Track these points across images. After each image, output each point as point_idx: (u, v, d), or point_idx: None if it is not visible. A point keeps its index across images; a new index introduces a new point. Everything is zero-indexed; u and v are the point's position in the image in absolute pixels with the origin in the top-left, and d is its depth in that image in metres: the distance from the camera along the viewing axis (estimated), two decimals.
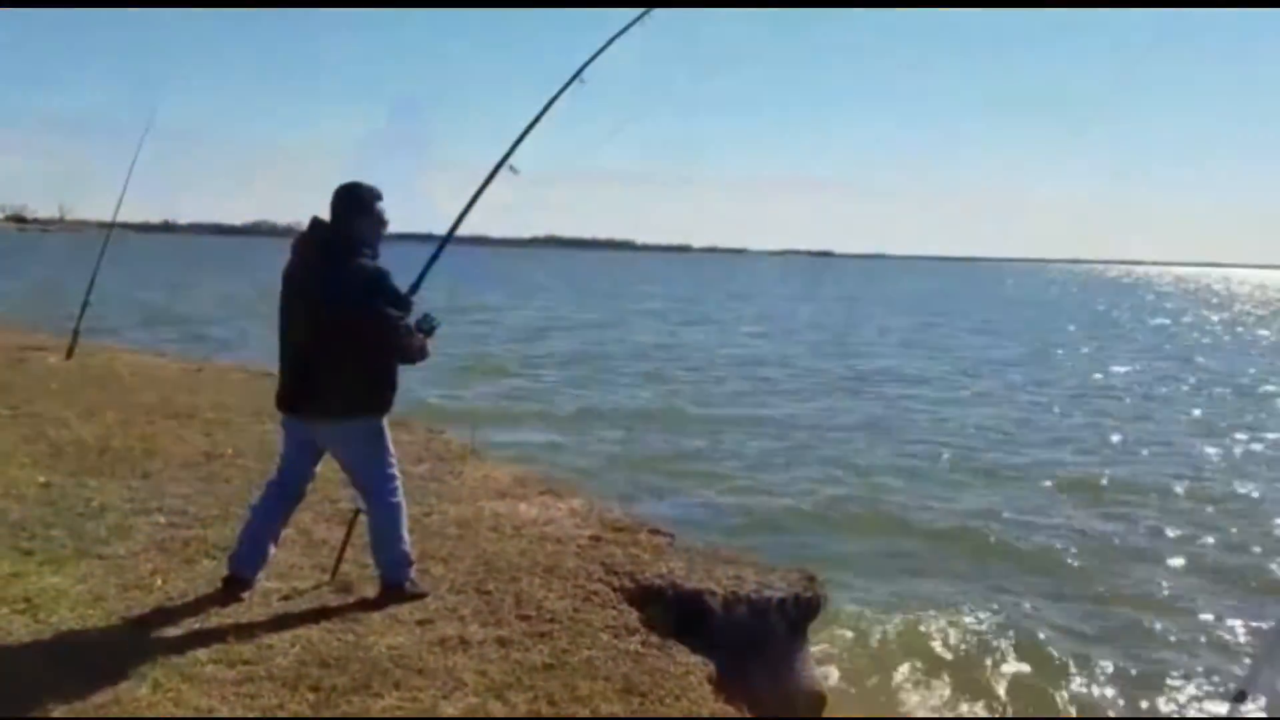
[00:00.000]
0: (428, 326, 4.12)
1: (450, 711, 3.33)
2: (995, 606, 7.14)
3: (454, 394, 13.43)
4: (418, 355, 4.07)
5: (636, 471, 10.01)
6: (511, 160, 4.57)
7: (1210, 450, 12.65)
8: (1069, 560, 8.23)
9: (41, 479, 5.81)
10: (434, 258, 4.36)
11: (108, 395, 8.95)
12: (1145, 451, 12.46)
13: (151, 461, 6.45)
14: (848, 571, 7.37)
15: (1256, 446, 13.06)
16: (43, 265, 46.79)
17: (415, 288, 4.15)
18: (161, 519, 5.19)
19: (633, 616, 4.34)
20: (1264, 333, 35.52)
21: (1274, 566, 8.27)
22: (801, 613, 4.83)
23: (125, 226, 12.80)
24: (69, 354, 11.10)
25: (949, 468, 11.13)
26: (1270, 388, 19.16)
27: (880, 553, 8.02)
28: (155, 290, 34.55)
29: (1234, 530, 9.15)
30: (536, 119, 4.58)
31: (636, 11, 4.70)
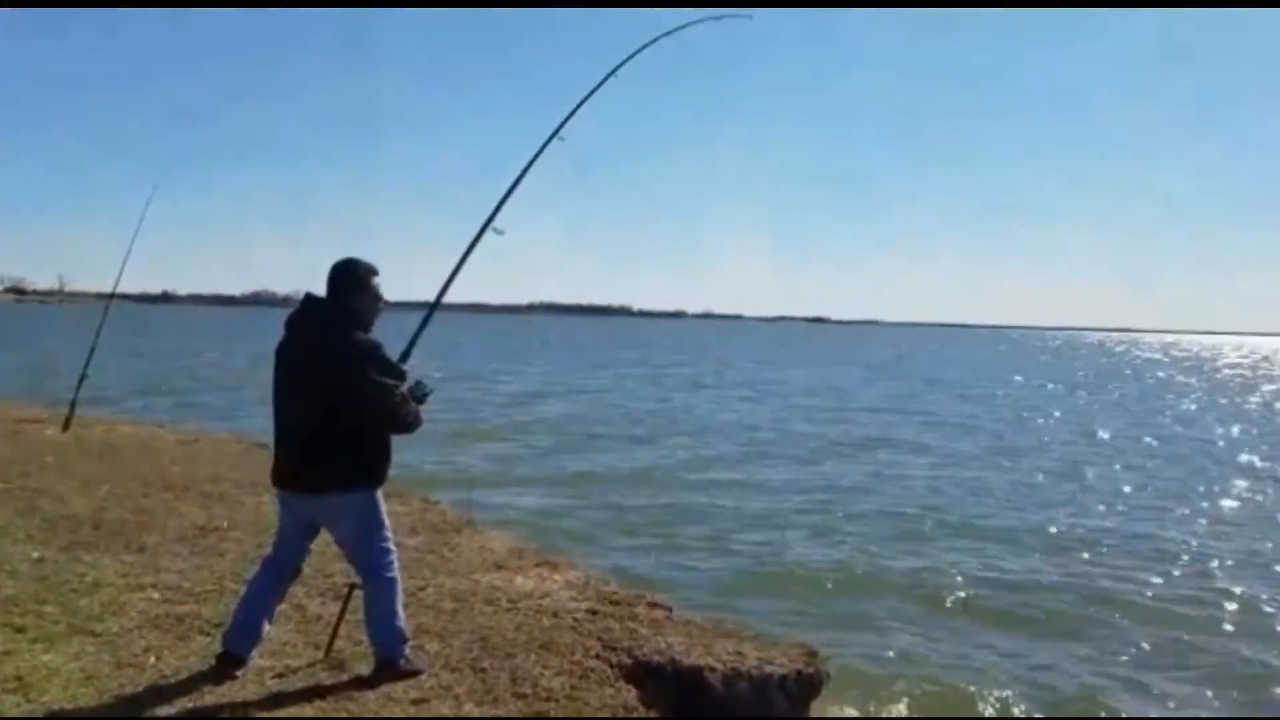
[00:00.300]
0: (420, 394, 4.15)
1: None
2: (1002, 669, 7.05)
3: (447, 460, 13.39)
4: (413, 423, 4.09)
5: (631, 536, 9.95)
6: (495, 222, 4.65)
7: (1196, 508, 12.62)
8: (1073, 620, 8.16)
9: (35, 554, 5.77)
10: (424, 324, 4.39)
11: (104, 468, 8.92)
12: (1123, 507, 12.43)
13: (147, 535, 6.41)
14: (852, 633, 7.29)
15: (1231, 504, 13.07)
16: (41, 337, 46.92)
17: (406, 355, 4.19)
18: (156, 594, 5.14)
19: (631, 695, 4.29)
20: (1254, 400, 35.60)
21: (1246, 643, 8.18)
22: (803, 689, 4.77)
23: (124, 297, 12.87)
24: (66, 426, 11.09)
25: (944, 529, 11.08)
26: (1245, 454, 19.17)
27: (881, 615, 7.94)
28: (153, 361, 34.59)
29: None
30: (518, 179, 4.66)
31: (606, 73, 4.86)
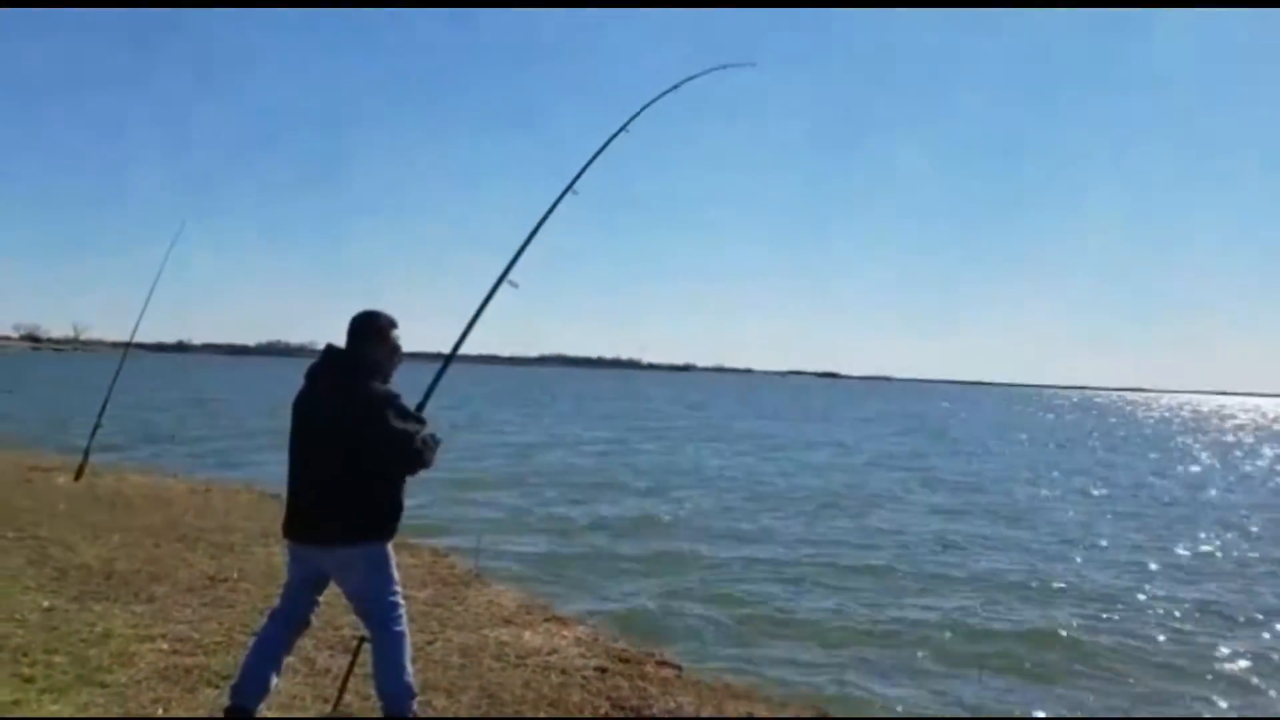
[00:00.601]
0: (433, 443, 4.18)
1: None
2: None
3: (456, 509, 13.38)
4: (430, 464, 4.11)
5: (637, 586, 9.91)
6: (511, 275, 4.71)
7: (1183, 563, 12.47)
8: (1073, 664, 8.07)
9: (45, 603, 5.79)
10: (439, 375, 4.42)
11: (115, 517, 8.96)
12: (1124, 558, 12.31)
13: (157, 585, 6.43)
14: (861, 685, 7.20)
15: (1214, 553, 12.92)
16: (56, 385, 47.25)
17: (422, 405, 4.22)
18: (165, 646, 5.14)
19: None
20: (1260, 462, 35.30)
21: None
22: None
23: (139, 346, 12.99)
24: (78, 475, 11.15)
25: (948, 581, 11.00)
26: (1238, 512, 18.99)
27: (889, 666, 7.86)
28: (167, 410, 34.74)
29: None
30: (533, 233, 4.72)
31: (618, 127, 4.95)
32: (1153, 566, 12.55)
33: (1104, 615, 9.74)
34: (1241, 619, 9.82)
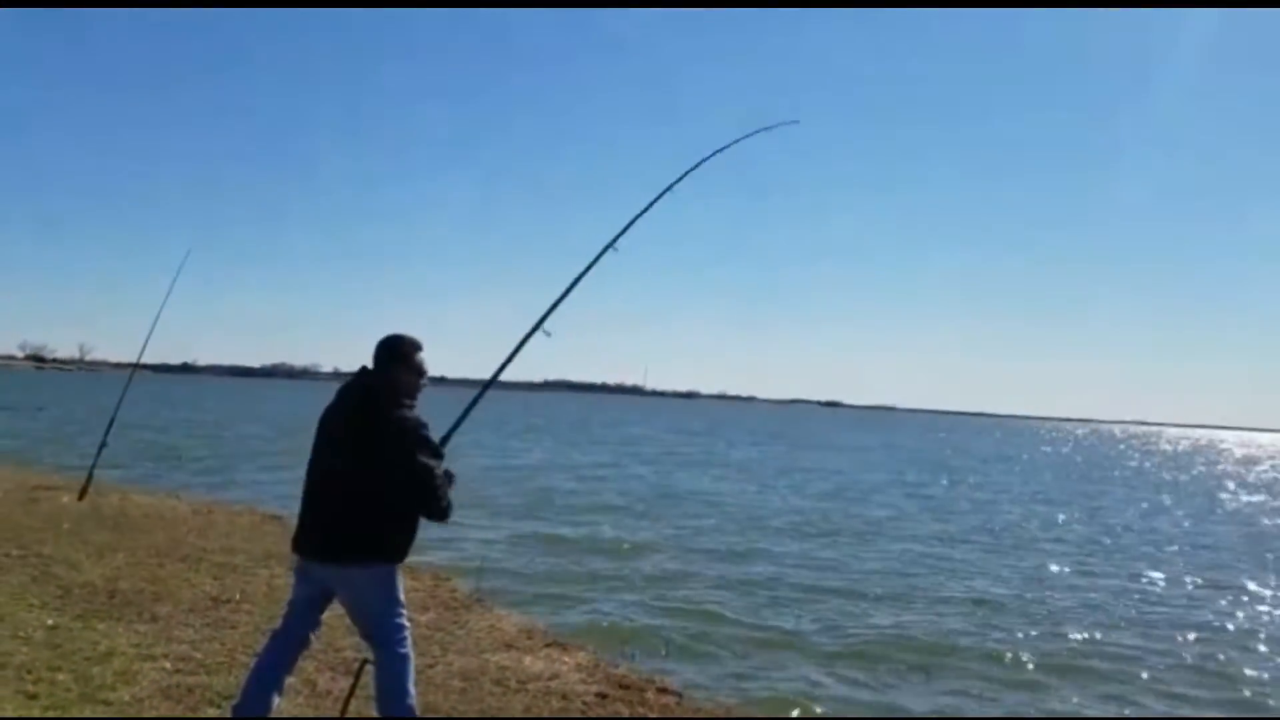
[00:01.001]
0: (448, 480, 4.22)
1: None
2: None
3: (457, 533, 13.39)
4: (448, 509, 4.14)
5: (639, 608, 9.93)
6: (545, 325, 4.78)
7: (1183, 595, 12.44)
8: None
9: (49, 621, 5.82)
10: (466, 411, 4.46)
11: (118, 536, 8.99)
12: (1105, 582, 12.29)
13: (160, 605, 6.46)
14: (867, 701, 7.21)
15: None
16: (60, 405, 47.37)
17: (447, 439, 4.27)
18: (168, 665, 5.17)
19: None
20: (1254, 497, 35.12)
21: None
22: None
23: (145, 367, 13.08)
24: (82, 495, 11.20)
25: (942, 601, 11.02)
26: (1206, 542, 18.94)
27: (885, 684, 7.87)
28: (171, 430, 34.80)
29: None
30: (571, 286, 4.77)
31: (666, 185, 5.01)
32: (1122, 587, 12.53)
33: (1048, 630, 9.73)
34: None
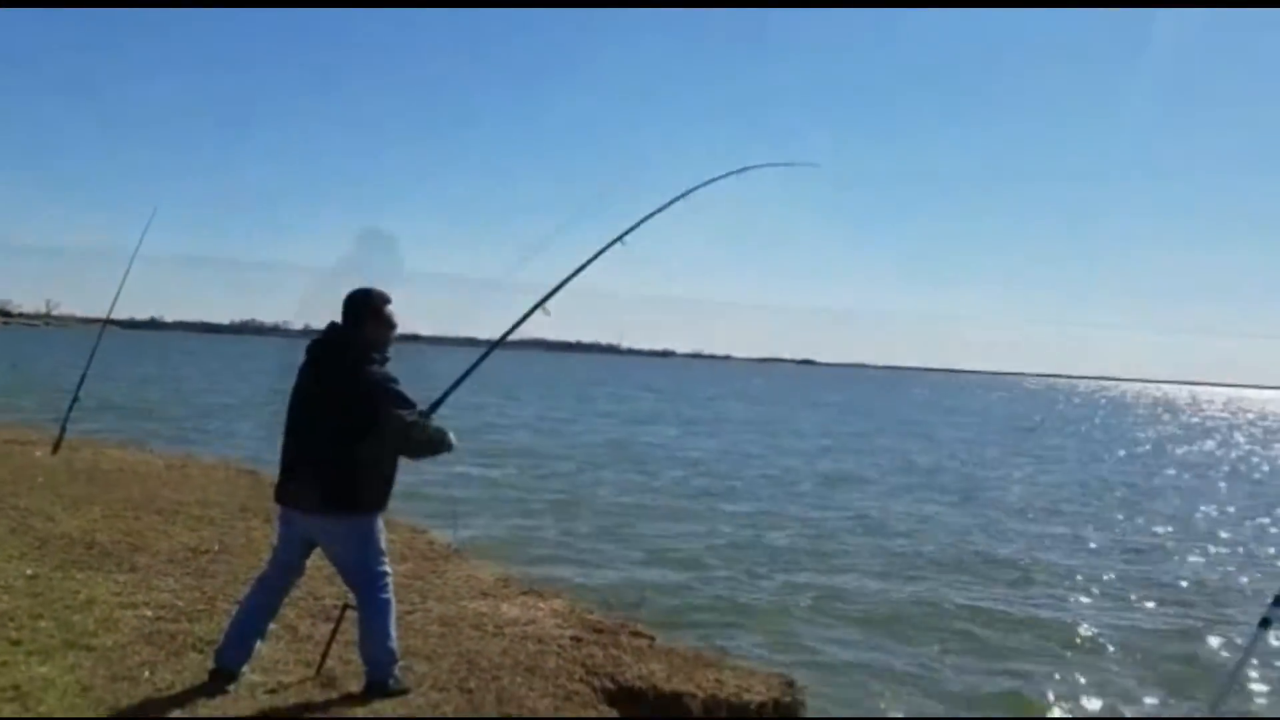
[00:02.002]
0: (433, 433, 4.25)
1: None
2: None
3: (436, 489, 13.51)
4: (432, 443, 4.22)
5: (612, 560, 10.12)
6: (546, 304, 4.80)
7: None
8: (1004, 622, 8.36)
9: (29, 571, 5.86)
10: (458, 382, 4.50)
11: (94, 490, 8.99)
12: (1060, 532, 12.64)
13: (138, 556, 6.51)
14: (828, 661, 7.43)
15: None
16: (28, 361, 46.77)
17: (436, 406, 4.32)
18: (149, 612, 5.24)
19: (613, 717, 4.41)
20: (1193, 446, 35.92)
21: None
22: (781, 717, 4.89)
23: (113, 323, 12.98)
24: (55, 449, 11.16)
25: (918, 560, 11.28)
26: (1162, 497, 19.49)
27: (854, 642, 8.10)
28: (143, 386, 34.53)
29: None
30: (575, 273, 4.78)
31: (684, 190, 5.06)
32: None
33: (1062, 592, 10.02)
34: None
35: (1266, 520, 16.85)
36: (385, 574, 4.39)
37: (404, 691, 4.34)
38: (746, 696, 4.86)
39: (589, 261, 4.88)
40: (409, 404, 4.20)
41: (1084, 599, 10.17)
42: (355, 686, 4.36)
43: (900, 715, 6.37)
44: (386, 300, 4.38)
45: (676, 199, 5.08)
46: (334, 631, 4.63)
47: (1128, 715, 6.92)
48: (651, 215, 5.01)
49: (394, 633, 4.39)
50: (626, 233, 4.94)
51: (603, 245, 4.91)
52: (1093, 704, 7.09)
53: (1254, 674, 7.57)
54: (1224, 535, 14.84)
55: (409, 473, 4.41)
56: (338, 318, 4.33)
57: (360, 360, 4.19)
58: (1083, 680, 7.51)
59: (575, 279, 4.74)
